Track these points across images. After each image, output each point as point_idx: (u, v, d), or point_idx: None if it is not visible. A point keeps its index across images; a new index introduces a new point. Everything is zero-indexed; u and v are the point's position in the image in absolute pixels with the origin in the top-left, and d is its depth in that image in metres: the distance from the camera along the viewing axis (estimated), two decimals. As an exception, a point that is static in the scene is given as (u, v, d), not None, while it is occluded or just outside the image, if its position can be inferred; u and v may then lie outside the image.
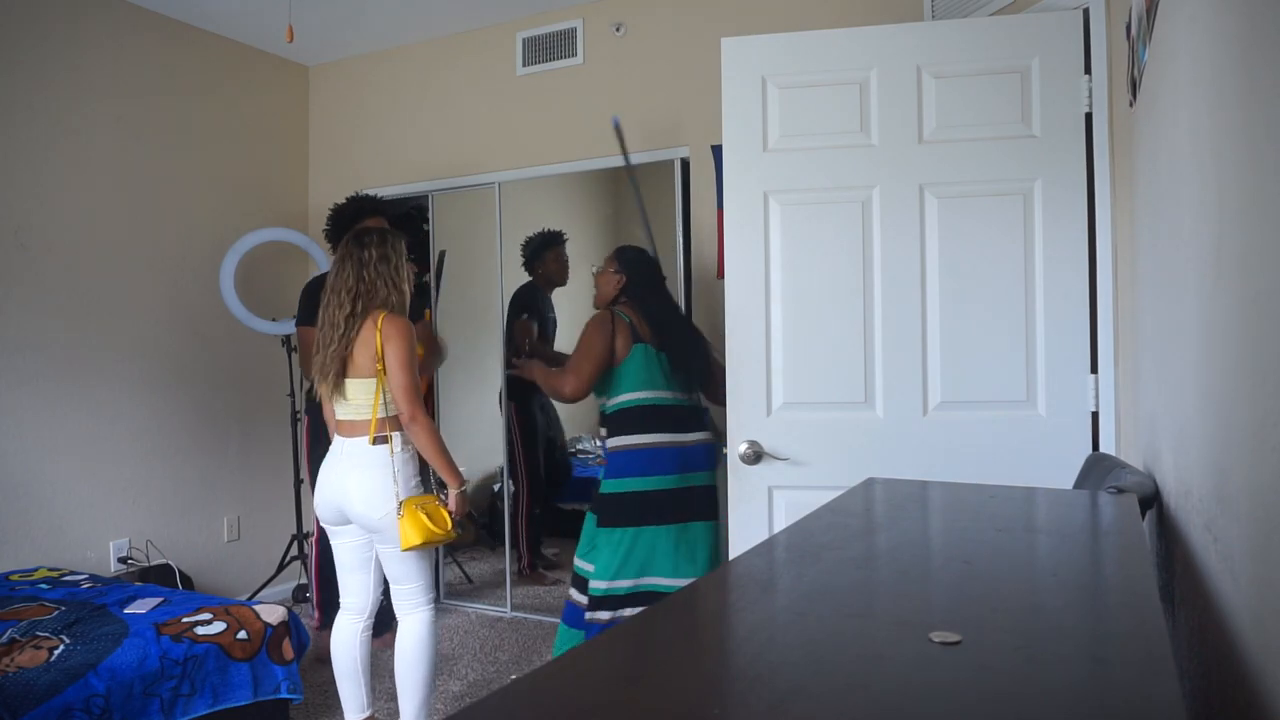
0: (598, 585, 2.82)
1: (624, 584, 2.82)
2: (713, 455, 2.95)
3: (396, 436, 2.53)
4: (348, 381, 2.51)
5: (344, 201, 3.41)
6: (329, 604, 3.35)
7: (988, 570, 1.02)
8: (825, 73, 2.38)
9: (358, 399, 2.52)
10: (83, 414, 3.57)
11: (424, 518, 2.50)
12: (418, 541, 2.49)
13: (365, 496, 2.49)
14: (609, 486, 2.86)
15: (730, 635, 0.84)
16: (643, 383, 2.87)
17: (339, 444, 2.55)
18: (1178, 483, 1.32)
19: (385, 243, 2.58)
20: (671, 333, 2.94)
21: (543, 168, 3.96)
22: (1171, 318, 1.37)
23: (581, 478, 4.69)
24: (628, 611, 2.87)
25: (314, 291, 3.16)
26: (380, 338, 2.48)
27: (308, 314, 3.15)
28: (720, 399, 3.09)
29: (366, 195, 3.48)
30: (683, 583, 2.89)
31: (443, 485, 2.63)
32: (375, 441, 2.50)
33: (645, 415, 2.86)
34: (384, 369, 2.49)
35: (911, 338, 2.34)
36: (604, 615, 2.85)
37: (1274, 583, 0.76)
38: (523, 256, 4.29)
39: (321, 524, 2.67)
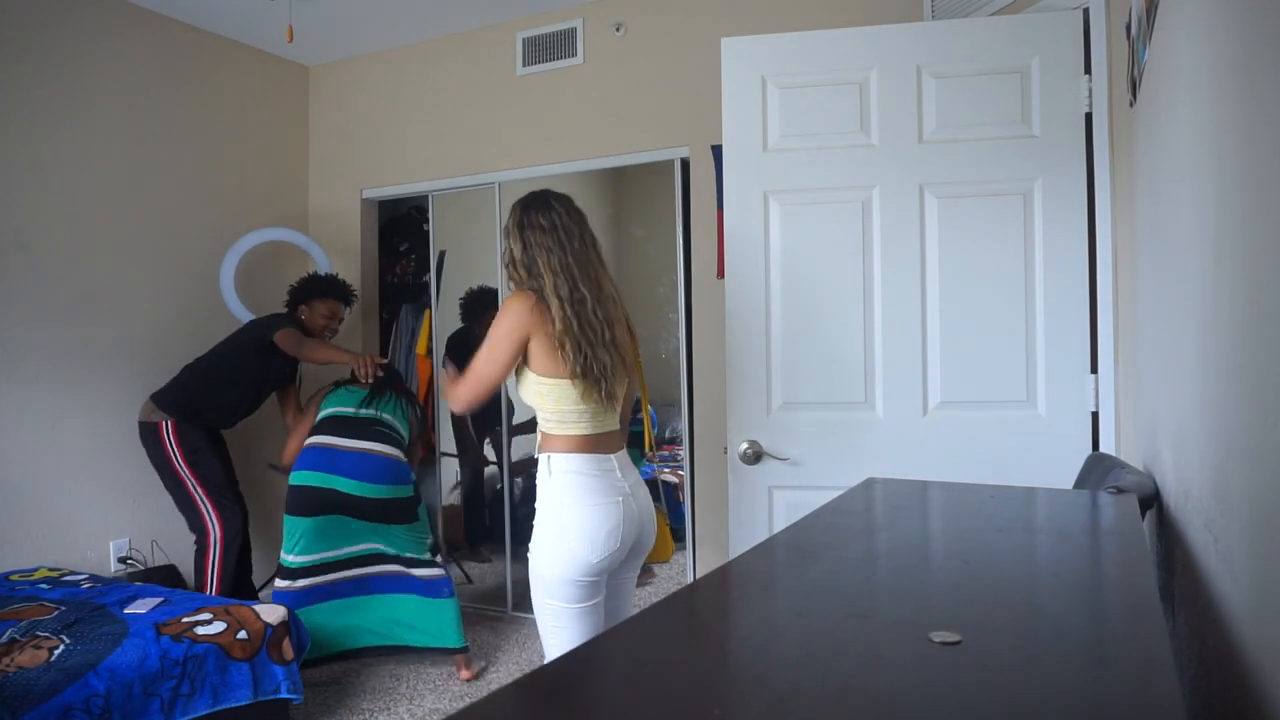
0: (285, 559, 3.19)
1: (296, 559, 3.17)
2: (389, 468, 3.25)
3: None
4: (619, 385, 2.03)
5: (307, 276, 3.77)
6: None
7: (988, 570, 1.02)
8: (825, 73, 2.38)
9: (619, 404, 2.07)
10: (83, 414, 3.57)
11: None
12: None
13: (653, 513, 2.10)
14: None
15: (730, 635, 0.84)
16: (338, 401, 3.40)
17: (607, 462, 1.98)
18: (1178, 483, 1.32)
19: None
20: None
21: (543, 168, 3.96)
22: (1171, 317, 1.37)
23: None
24: (303, 582, 3.17)
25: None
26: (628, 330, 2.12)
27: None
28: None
29: (330, 276, 3.79)
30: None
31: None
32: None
33: (324, 421, 3.33)
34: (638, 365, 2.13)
35: (911, 338, 2.34)
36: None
37: (1274, 583, 0.76)
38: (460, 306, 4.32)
39: (591, 579, 1.92)
